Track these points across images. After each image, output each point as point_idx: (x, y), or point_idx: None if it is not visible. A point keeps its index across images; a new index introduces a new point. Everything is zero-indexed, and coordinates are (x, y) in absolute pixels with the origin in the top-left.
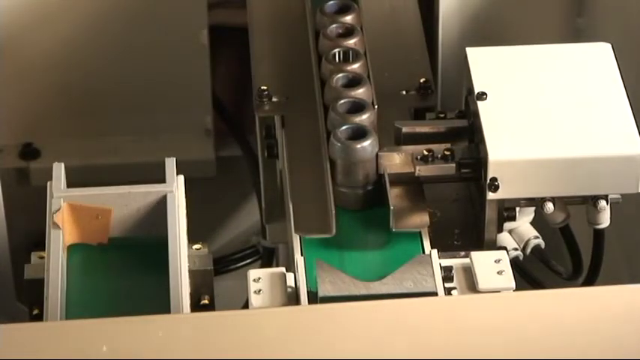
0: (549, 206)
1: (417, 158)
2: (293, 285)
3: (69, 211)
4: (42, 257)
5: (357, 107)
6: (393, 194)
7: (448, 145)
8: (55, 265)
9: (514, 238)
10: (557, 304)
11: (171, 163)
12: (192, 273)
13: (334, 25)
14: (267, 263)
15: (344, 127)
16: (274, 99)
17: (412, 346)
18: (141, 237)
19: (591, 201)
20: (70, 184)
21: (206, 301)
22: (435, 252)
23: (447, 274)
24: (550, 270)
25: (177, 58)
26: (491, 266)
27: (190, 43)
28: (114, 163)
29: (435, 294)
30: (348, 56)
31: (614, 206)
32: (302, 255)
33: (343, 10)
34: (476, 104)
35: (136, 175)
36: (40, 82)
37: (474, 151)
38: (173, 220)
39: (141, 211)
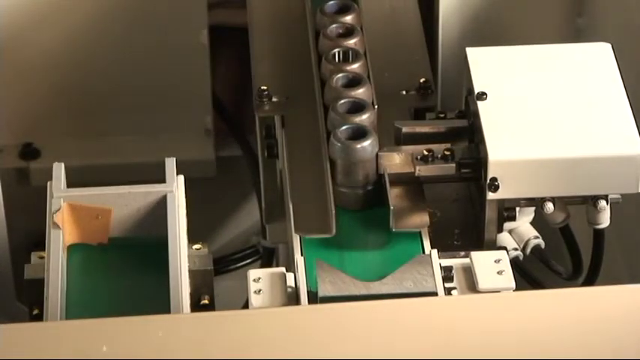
0: (549, 206)
1: (417, 158)
2: (293, 285)
3: (69, 211)
4: (42, 257)
5: (357, 107)
6: (393, 194)
7: (448, 145)
8: (55, 265)
9: (514, 238)
10: (557, 304)
11: (171, 163)
12: (192, 273)
13: (334, 25)
14: (267, 263)
15: (344, 127)
16: (274, 99)
17: (412, 346)
18: (141, 237)
19: (591, 201)
20: (70, 184)
21: (206, 301)
22: (435, 252)
23: (447, 274)
24: (550, 270)
25: (177, 58)
26: (491, 266)
27: (190, 43)
28: (114, 163)
29: (435, 294)
30: (348, 56)
31: (614, 206)
32: (302, 255)
33: (343, 10)
34: (476, 104)
35: (136, 175)
36: (40, 82)
37: (473, 151)
38: (173, 220)
39: (141, 211)
